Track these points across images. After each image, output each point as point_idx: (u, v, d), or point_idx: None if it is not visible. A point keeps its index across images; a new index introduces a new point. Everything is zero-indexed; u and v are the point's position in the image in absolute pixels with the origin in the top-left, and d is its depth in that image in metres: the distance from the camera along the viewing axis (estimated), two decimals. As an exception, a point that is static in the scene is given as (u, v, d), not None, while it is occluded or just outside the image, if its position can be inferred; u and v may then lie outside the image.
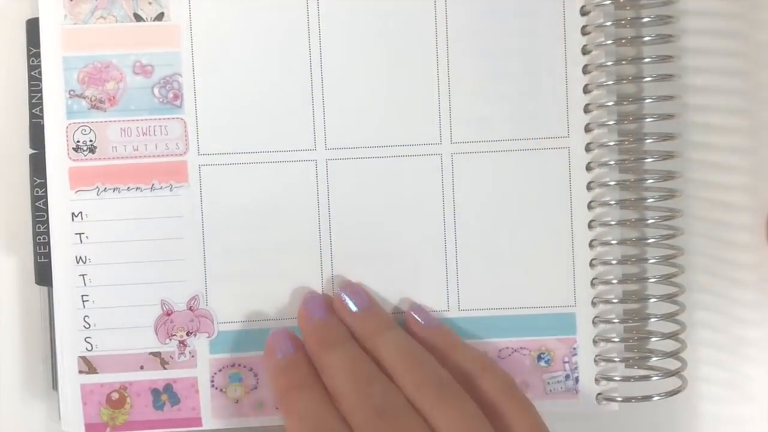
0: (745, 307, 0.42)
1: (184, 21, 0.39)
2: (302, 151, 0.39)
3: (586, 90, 0.40)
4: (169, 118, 0.39)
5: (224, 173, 0.39)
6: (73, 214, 0.39)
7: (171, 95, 0.39)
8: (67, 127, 0.39)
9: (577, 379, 0.40)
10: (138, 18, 0.39)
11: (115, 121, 0.39)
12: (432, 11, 0.39)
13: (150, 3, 0.39)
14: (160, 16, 0.39)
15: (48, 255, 0.39)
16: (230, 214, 0.39)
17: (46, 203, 0.39)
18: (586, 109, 0.40)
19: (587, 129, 0.40)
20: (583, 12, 0.40)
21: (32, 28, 0.39)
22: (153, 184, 0.39)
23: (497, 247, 0.40)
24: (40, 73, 0.39)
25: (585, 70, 0.40)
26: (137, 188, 0.39)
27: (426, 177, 0.40)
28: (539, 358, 0.40)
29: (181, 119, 0.39)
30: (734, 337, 0.42)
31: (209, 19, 0.39)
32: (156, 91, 0.39)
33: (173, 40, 0.39)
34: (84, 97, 0.39)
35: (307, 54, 0.39)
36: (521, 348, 0.40)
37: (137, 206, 0.39)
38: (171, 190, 0.39)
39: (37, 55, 0.39)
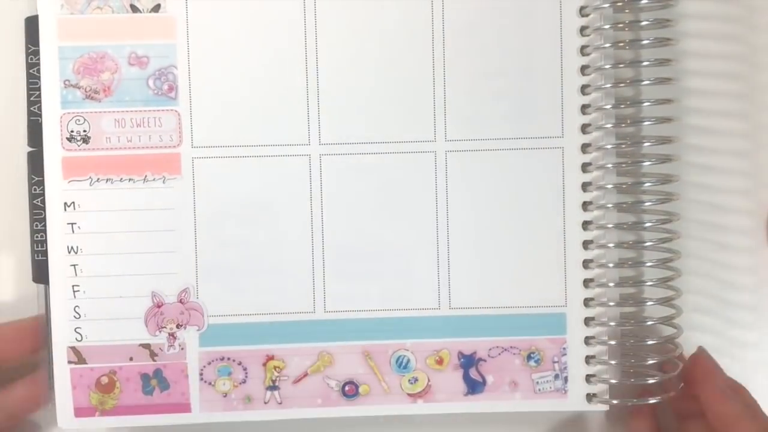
0: (742, 309, 0.42)
1: (181, 13, 0.39)
2: (296, 146, 0.39)
3: (584, 92, 0.40)
4: (163, 110, 0.39)
5: (218, 166, 0.39)
6: (65, 204, 0.39)
7: (166, 87, 0.39)
8: (61, 117, 0.39)
9: (566, 379, 0.40)
10: (134, 9, 0.39)
11: (109, 111, 0.39)
12: (429, 8, 0.39)
13: (147, -6, 0.39)
14: (156, 8, 0.39)
15: (45, 253, 0.39)
16: (223, 207, 0.39)
17: (43, 201, 0.39)
18: (584, 111, 0.40)
19: (585, 131, 0.40)
20: (583, 14, 0.40)
21: (31, 25, 0.39)
22: (146, 176, 0.39)
23: (489, 246, 0.40)
24: (38, 70, 0.39)
25: (584, 72, 0.40)
26: (130, 179, 0.39)
27: (420, 174, 0.40)
28: (529, 357, 0.40)
29: (175, 111, 0.39)
30: (730, 340, 0.42)
31: (206, 11, 0.39)
32: (151, 82, 0.39)
33: (169, 32, 0.39)
34: (79, 87, 0.39)
35: (303, 49, 0.39)
36: (511, 347, 0.40)
37: (130, 197, 0.39)
38: (164, 182, 0.39)
39: (36, 53, 0.39)
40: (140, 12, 0.39)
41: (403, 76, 0.39)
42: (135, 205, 0.39)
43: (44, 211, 0.39)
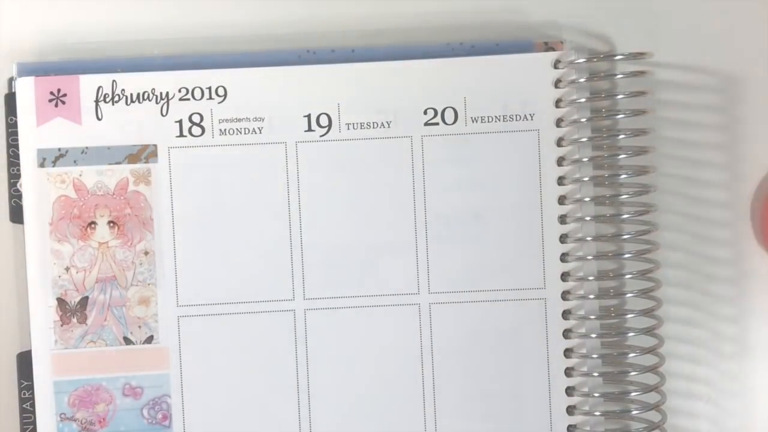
0: (722, 302, 0.42)
1: (173, 343, 0.40)
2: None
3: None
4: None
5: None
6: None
7: (160, 416, 0.40)
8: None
9: None
10: (128, 341, 0.40)
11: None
12: None
13: (140, 327, 0.40)
14: (149, 339, 0.40)
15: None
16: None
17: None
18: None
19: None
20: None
21: (23, 361, 0.40)
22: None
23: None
24: (32, 405, 0.40)
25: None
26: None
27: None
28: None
29: (172, 431, 0.40)
30: (711, 333, 0.42)
31: (198, 340, 0.40)
32: (145, 412, 0.40)
33: (162, 362, 0.40)
34: (75, 420, 0.40)
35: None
36: None
37: None
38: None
39: (29, 388, 0.40)
40: (133, 344, 0.40)
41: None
42: None
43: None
